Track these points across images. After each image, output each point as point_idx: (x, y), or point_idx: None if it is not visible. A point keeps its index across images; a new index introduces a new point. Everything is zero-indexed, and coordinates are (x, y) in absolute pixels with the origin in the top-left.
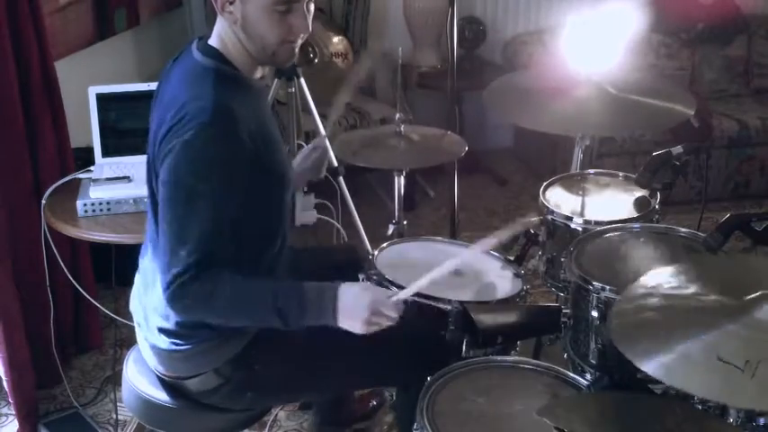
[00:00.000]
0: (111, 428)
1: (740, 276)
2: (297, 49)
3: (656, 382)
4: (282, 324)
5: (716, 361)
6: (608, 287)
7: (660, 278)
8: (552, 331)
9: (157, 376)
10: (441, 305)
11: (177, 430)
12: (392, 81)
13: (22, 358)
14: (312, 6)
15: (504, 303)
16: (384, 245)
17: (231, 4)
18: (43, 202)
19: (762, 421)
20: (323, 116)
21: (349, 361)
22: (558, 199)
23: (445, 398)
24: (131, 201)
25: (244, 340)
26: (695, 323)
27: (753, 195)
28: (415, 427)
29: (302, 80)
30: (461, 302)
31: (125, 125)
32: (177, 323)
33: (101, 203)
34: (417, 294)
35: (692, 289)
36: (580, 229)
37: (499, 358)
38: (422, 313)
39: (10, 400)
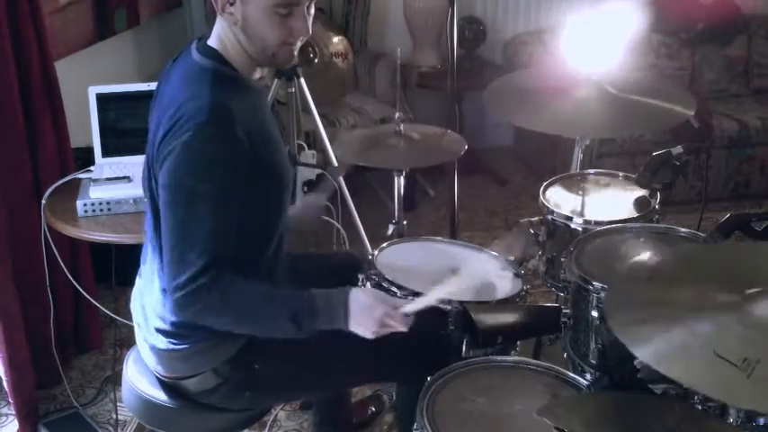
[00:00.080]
0: (111, 428)
1: (742, 268)
2: (296, 51)
3: (656, 382)
4: (295, 330)
5: (713, 356)
6: (608, 287)
7: (659, 264)
8: (552, 331)
9: (156, 376)
10: (441, 305)
11: (177, 430)
12: (392, 81)
13: (22, 358)
14: (313, 9)
15: (504, 303)
16: (384, 245)
17: (232, 5)
18: (43, 202)
19: (762, 421)
20: (323, 116)
21: (348, 358)
22: (558, 199)
23: (445, 398)
24: (131, 201)
25: (242, 340)
26: (694, 314)
27: (753, 195)
28: (415, 427)
29: (302, 80)
30: (461, 302)
31: (125, 125)
32: (174, 323)
33: (101, 203)
34: (418, 294)
35: (693, 278)
36: (580, 229)
37: (499, 358)
38: (421, 313)
39: (10, 400)
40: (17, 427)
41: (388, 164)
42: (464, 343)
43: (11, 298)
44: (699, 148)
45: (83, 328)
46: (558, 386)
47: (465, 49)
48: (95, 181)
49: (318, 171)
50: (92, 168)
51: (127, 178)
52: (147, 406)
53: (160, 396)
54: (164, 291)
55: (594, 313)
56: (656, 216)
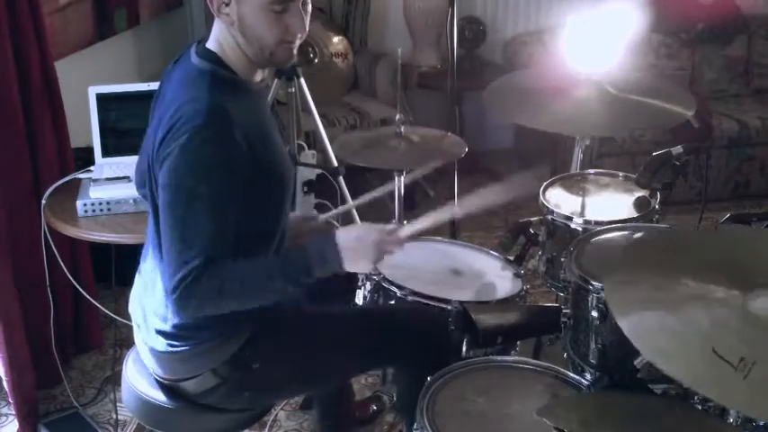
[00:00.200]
0: (111, 428)
1: (745, 261)
2: (295, 50)
3: (656, 382)
4: (293, 286)
5: (711, 353)
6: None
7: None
8: (552, 331)
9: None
10: (441, 305)
11: (177, 431)
12: (392, 81)
13: (22, 358)
14: (309, 6)
15: (504, 303)
16: None
17: (227, 5)
18: (43, 202)
19: (762, 421)
20: (323, 116)
21: (345, 351)
22: (558, 199)
23: (445, 398)
24: (131, 201)
25: (241, 340)
26: (694, 304)
27: (753, 195)
28: (415, 427)
29: (302, 80)
30: (461, 302)
31: (125, 125)
32: (174, 325)
33: (101, 203)
34: (418, 294)
35: (694, 267)
36: (580, 229)
37: (499, 358)
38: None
39: (10, 400)
40: (17, 427)
41: (388, 164)
42: (464, 343)
43: (11, 298)
44: (699, 148)
45: (83, 328)
46: (558, 386)
47: (465, 49)
48: (95, 181)
49: (318, 171)
50: (92, 168)
51: (127, 178)
52: (147, 406)
53: (159, 396)
54: (166, 292)
55: (594, 313)
56: (656, 216)
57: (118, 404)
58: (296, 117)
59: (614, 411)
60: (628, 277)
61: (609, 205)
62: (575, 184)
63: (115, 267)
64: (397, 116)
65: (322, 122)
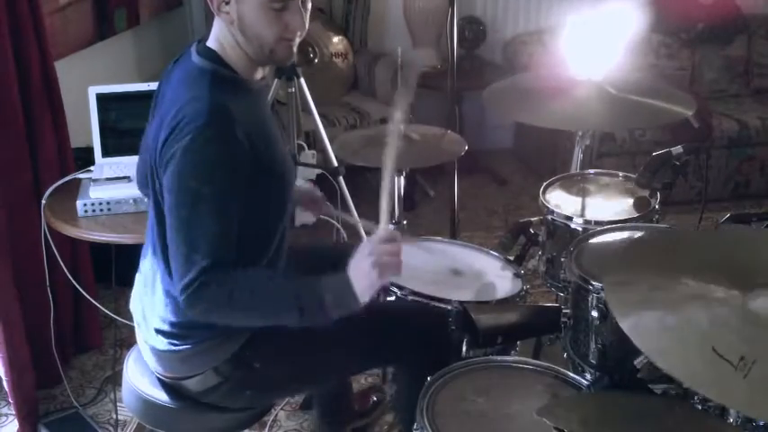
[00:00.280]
0: (111, 428)
1: (745, 260)
2: (295, 48)
3: (656, 382)
4: (299, 318)
5: (711, 352)
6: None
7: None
8: (552, 331)
9: (157, 377)
10: (441, 305)
11: (177, 430)
12: (392, 81)
13: (22, 358)
14: (309, 4)
15: (504, 303)
16: None
17: (227, 3)
18: (43, 202)
19: (762, 421)
20: (323, 116)
21: (345, 349)
22: (558, 199)
23: (445, 398)
24: (131, 201)
25: (242, 339)
26: (694, 304)
27: (753, 195)
28: (415, 427)
29: (302, 80)
30: (461, 302)
31: (125, 125)
32: (174, 324)
33: (101, 203)
34: (418, 294)
35: (694, 267)
36: (580, 229)
37: (499, 358)
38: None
39: (10, 400)
40: (17, 427)
41: None
42: (464, 343)
43: (11, 298)
44: (699, 148)
45: (83, 328)
46: (558, 386)
47: (465, 49)
48: (95, 181)
49: (318, 171)
50: (92, 168)
51: (127, 178)
52: (148, 406)
53: (160, 396)
54: (167, 292)
55: (594, 313)
56: (656, 216)
57: (118, 404)
58: (296, 117)
59: (614, 411)
60: (628, 277)
61: (609, 205)
62: (575, 184)
63: (115, 267)
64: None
65: (322, 122)
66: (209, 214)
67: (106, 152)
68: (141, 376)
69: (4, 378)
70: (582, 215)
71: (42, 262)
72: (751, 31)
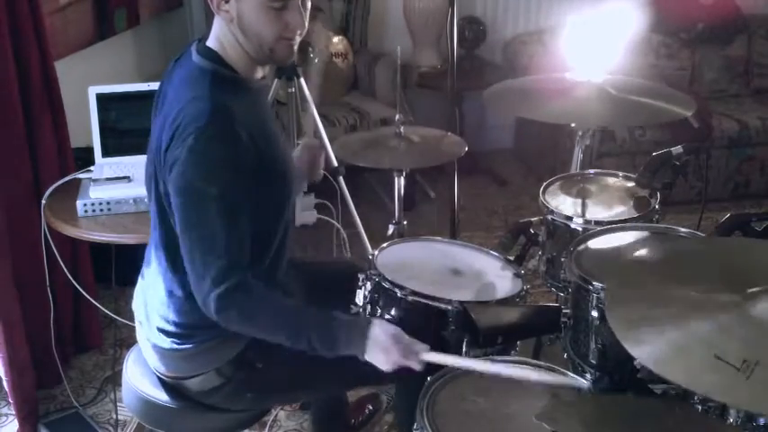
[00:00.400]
0: (111, 428)
1: (742, 267)
2: (295, 47)
3: (656, 382)
4: (311, 350)
5: (713, 358)
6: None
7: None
8: (552, 331)
9: (157, 376)
10: (441, 305)
11: (177, 430)
12: (392, 81)
13: (22, 358)
14: (309, 3)
15: (504, 303)
16: (384, 245)
17: (226, 2)
18: (43, 202)
19: (762, 421)
20: (323, 116)
21: (350, 359)
22: (558, 199)
23: (445, 398)
24: (131, 201)
25: (245, 340)
26: (694, 314)
27: (753, 195)
28: (415, 427)
29: (302, 80)
30: (461, 302)
31: (125, 125)
32: (177, 324)
33: (101, 203)
34: (417, 294)
35: (692, 276)
36: (580, 229)
37: (499, 358)
38: (422, 313)
39: (10, 400)
40: (17, 427)
41: (388, 164)
42: (464, 343)
43: (11, 298)
44: (699, 148)
45: (83, 328)
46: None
47: (465, 49)
48: (95, 181)
49: None
50: (92, 168)
51: (127, 178)
52: (147, 406)
53: (160, 396)
54: (169, 292)
55: (594, 313)
56: (656, 216)
57: (118, 404)
58: (296, 117)
59: (614, 411)
60: (627, 294)
61: (609, 205)
62: (575, 184)
63: (115, 267)
64: (397, 116)
65: (322, 122)
66: (218, 215)
67: (106, 152)
68: (141, 376)
69: (4, 378)
70: (582, 215)
71: (42, 262)
72: (751, 31)
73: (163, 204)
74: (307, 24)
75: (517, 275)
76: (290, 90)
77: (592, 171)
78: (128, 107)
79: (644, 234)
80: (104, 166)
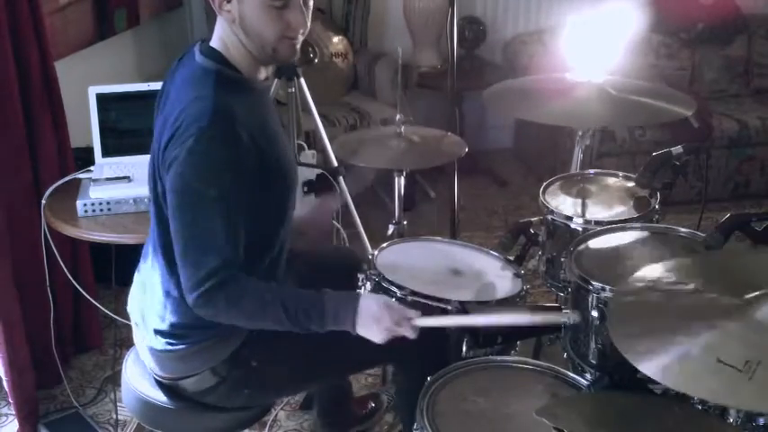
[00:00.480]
0: (111, 428)
1: (741, 274)
2: (298, 46)
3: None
4: (304, 330)
5: (715, 362)
6: (608, 287)
7: (659, 273)
8: (552, 331)
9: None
10: (441, 305)
11: (177, 430)
12: (392, 81)
13: (22, 358)
14: (311, 2)
15: (504, 303)
16: (384, 245)
17: (228, 2)
18: (43, 202)
19: (761, 421)
20: (323, 116)
21: (344, 347)
22: (558, 199)
23: (445, 398)
24: (131, 201)
25: (240, 338)
26: (695, 322)
27: (753, 195)
28: (415, 427)
29: (302, 80)
30: (461, 302)
31: (125, 125)
32: (172, 324)
33: (101, 203)
34: (417, 294)
35: (692, 286)
36: (580, 229)
37: (499, 358)
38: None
39: (10, 400)
40: (17, 427)
41: (388, 164)
42: (464, 343)
43: (11, 298)
44: (699, 148)
45: (83, 328)
46: (558, 386)
47: (465, 49)
48: (95, 181)
49: (318, 171)
50: (92, 168)
51: (127, 178)
52: (147, 406)
53: (159, 396)
54: (166, 292)
55: (594, 313)
56: (656, 216)
57: (118, 404)
58: (296, 117)
59: (614, 411)
60: (630, 309)
61: (609, 205)
62: (575, 184)
63: (115, 267)
64: (398, 116)
65: (322, 122)
66: (216, 216)
67: (106, 152)
68: (140, 377)
69: (4, 378)
70: (582, 215)
71: (42, 262)
72: (751, 31)
73: (161, 204)
74: (309, 23)
75: (517, 275)
76: (289, 90)
77: (592, 171)
78: (128, 107)
79: (644, 234)
80: (104, 166)
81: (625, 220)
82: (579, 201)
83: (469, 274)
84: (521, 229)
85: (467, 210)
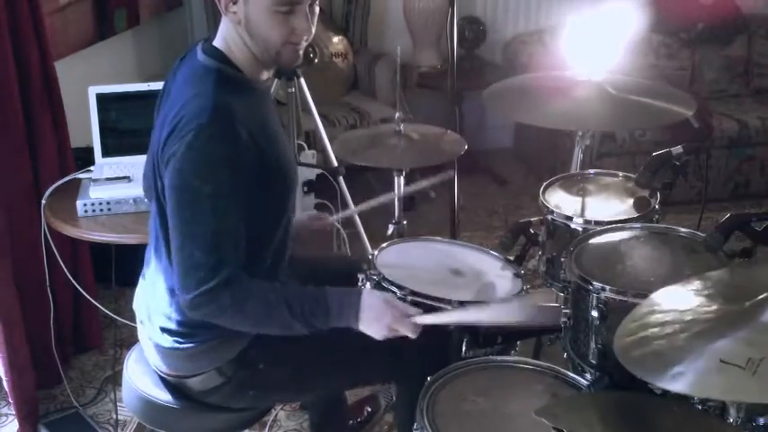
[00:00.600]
0: (111, 428)
1: (741, 285)
2: (301, 51)
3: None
4: (307, 330)
5: (718, 363)
6: (608, 287)
7: (664, 298)
8: (552, 331)
9: (159, 376)
10: (441, 305)
11: (178, 430)
12: (392, 81)
13: (22, 358)
14: (317, 9)
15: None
16: (384, 245)
17: (234, 3)
18: (43, 202)
19: (761, 421)
20: (323, 116)
21: (351, 358)
22: (558, 199)
23: (445, 398)
24: (131, 201)
25: (247, 339)
26: (698, 337)
27: (753, 195)
28: (415, 427)
29: (302, 80)
30: (461, 302)
31: (125, 125)
32: (180, 322)
33: (101, 203)
34: (417, 294)
35: (694, 304)
36: (580, 229)
37: (499, 358)
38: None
39: (10, 400)
40: (17, 427)
41: (388, 164)
42: (464, 343)
43: (11, 298)
44: (699, 148)
45: (83, 328)
46: (558, 386)
47: (465, 49)
48: (95, 181)
49: (318, 171)
50: (92, 168)
51: (127, 178)
52: (148, 406)
53: (161, 396)
54: (171, 291)
55: (594, 313)
56: (656, 216)
57: (118, 404)
58: (296, 117)
59: (614, 411)
60: (633, 326)
61: (609, 205)
62: (575, 184)
63: (115, 267)
64: (397, 114)
65: (322, 122)
66: (213, 213)
67: (106, 152)
68: (142, 376)
69: (4, 378)
70: (582, 215)
71: (42, 262)
72: (751, 31)
73: (163, 202)
74: (314, 30)
75: (517, 275)
76: (289, 90)
77: (592, 171)
78: (128, 107)
79: (644, 234)
80: (104, 166)
81: (625, 220)
82: (579, 201)
83: (469, 274)
84: (521, 229)
85: (467, 210)
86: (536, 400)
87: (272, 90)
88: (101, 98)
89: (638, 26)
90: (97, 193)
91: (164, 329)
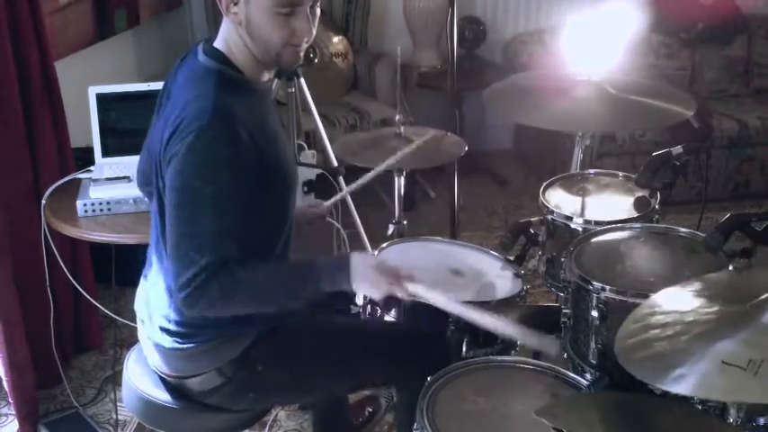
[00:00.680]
0: (111, 428)
1: (742, 286)
2: (302, 53)
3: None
4: (301, 304)
5: (720, 365)
6: (608, 287)
7: (665, 300)
8: (552, 331)
9: (159, 376)
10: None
11: (177, 430)
12: (392, 81)
13: (22, 358)
14: (318, 10)
15: (504, 303)
16: (384, 245)
17: (235, 5)
18: (43, 202)
19: (761, 421)
20: (323, 116)
21: (351, 359)
22: (558, 199)
23: (445, 398)
24: (131, 201)
25: (247, 340)
26: (700, 338)
27: (753, 195)
28: (415, 427)
29: (302, 80)
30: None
31: (125, 125)
32: (179, 323)
33: (101, 203)
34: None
35: (695, 305)
36: (580, 229)
37: (499, 358)
38: (422, 313)
39: (10, 400)
40: (17, 427)
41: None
42: (464, 343)
43: (11, 298)
44: (699, 148)
45: (83, 328)
46: (558, 386)
47: (465, 49)
48: (95, 181)
49: (318, 171)
50: (92, 168)
51: (127, 178)
52: (148, 406)
53: (161, 396)
54: (169, 290)
55: (594, 313)
56: (656, 216)
57: (118, 404)
58: (296, 117)
59: (614, 411)
60: (635, 330)
61: (609, 205)
62: (575, 184)
63: (115, 267)
64: (397, 116)
65: (322, 122)
66: (211, 214)
67: (106, 152)
68: (142, 376)
69: (4, 378)
70: (582, 215)
71: (42, 262)
72: (751, 31)
73: (163, 202)
74: (314, 31)
75: (517, 275)
76: (289, 90)
77: (592, 171)
78: (128, 107)
79: (644, 234)
80: (104, 166)
81: (625, 220)
82: (579, 201)
83: (469, 274)
84: (521, 229)
85: (467, 210)
86: (536, 400)
87: (273, 90)
88: (101, 98)
89: (638, 26)
90: (97, 193)
91: (164, 330)
